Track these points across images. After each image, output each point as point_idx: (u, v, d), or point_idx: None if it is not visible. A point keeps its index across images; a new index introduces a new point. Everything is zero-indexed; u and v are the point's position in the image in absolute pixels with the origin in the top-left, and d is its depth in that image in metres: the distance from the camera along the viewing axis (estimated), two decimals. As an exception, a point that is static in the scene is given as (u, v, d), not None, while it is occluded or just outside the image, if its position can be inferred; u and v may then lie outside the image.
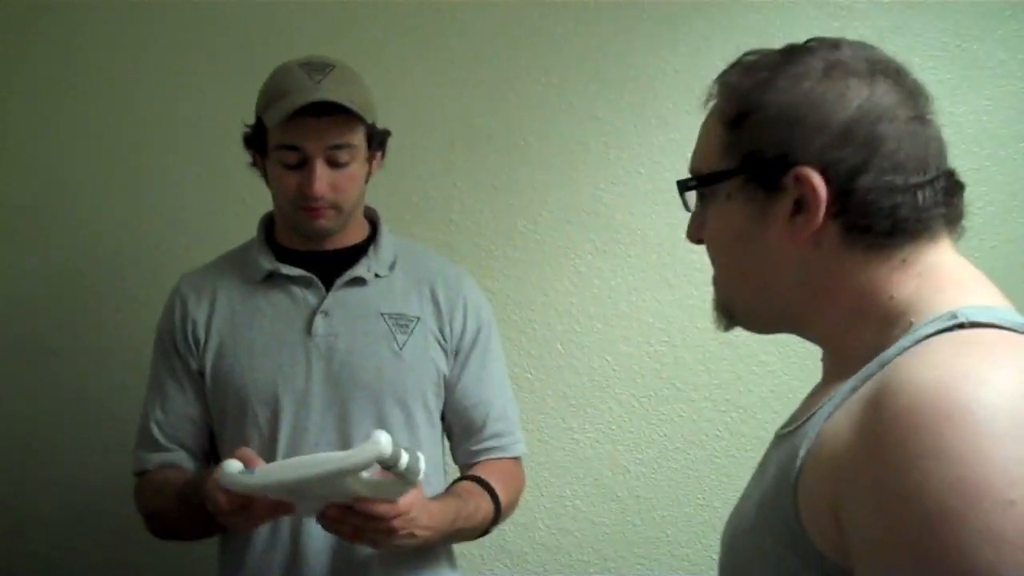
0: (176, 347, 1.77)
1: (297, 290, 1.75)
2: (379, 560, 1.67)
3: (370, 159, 1.75)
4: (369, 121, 1.70)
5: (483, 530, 1.74)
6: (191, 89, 2.34)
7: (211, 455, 1.80)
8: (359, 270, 1.75)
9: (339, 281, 1.74)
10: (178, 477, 1.71)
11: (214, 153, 2.26)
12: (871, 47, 0.95)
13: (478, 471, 1.77)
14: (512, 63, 2.36)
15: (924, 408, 0.73)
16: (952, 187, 0.94)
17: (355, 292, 1.75)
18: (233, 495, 1.47)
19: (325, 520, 1.51)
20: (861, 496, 0.76)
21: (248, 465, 1.48)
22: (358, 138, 1.69)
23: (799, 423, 0.93)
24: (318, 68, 1.67)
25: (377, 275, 1.77)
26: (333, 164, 1.67)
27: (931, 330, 0.83)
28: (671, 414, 2.35)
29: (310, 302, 1.74)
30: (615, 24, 2.36)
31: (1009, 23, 2.34)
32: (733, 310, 1.03)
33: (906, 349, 0.83)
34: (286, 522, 1.67)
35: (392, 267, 1.79)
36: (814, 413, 0.89)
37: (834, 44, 0.95)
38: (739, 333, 2.31)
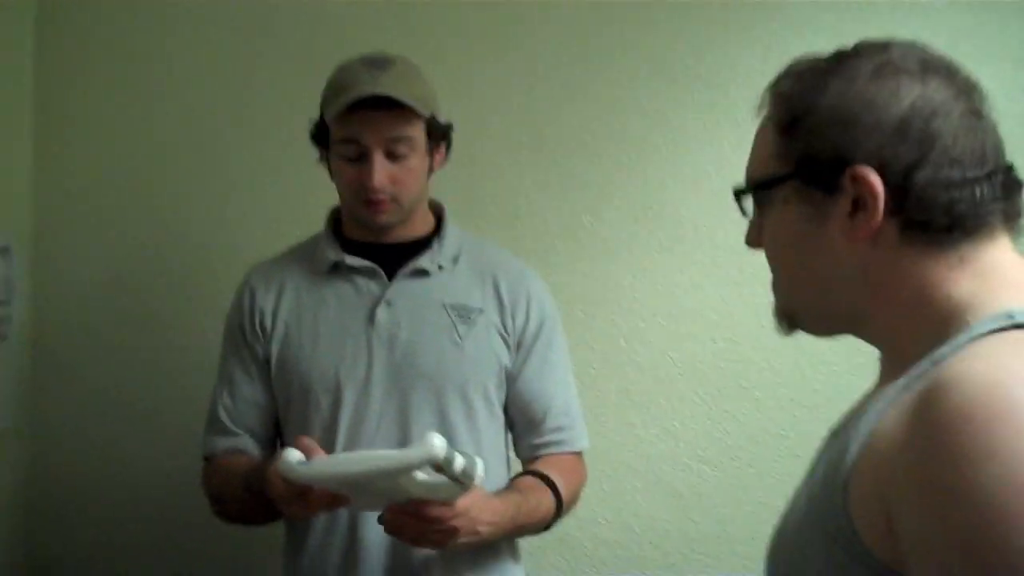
0: (244, 335, 1.81)
1: (361, 281, 1.78)
2: (439, 552, 1.68)
3: (432, 153, 1.77)
4: (428, 114, 1.71)
5: (545, 525, 1.75)
6: (262, 85, 2.39)
7: (277, 441, 1.84)
8: (422, 262, 1.77)
9: (402, 272, 1.77)
10: (244, 463, 1.75)
11: (285, 149, 2.29)
12: (921, 46, 0.96)
13: (539, 466, 1.78)
14: (580, 62, 2.37)
15: (976, 406, 0.73)
16: (1011, 182, 0.94)
17: (418, 283, 1.77)
18: (291, 484, 1.49)
19: (385, 523, 1.55)
20: (912, 494, 0.77)
21: (308, 455, 1.50)
22: (417, 131, 1.71)
23: (852, 421, 0.93)
24: (378, 64, 1.69)
25: (440, 267, 1.79)
26: (392, 157, 1.69)
27: (986, 329, 0.83)
28: (734, 412, 2.35)
29: (374, 292, 1.76)
30: (684, 23, 2.36)
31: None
32: (794, 314, 1.04)
33: (960, 348, 0.83)
34: (344, 512, 1.69)
35: (456, 260, 1.81)
36: (867, 411, 0.89)
37: (883, 46, 0.95)
38: (803, 333, 2.29)
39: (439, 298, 1.77)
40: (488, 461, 1.72)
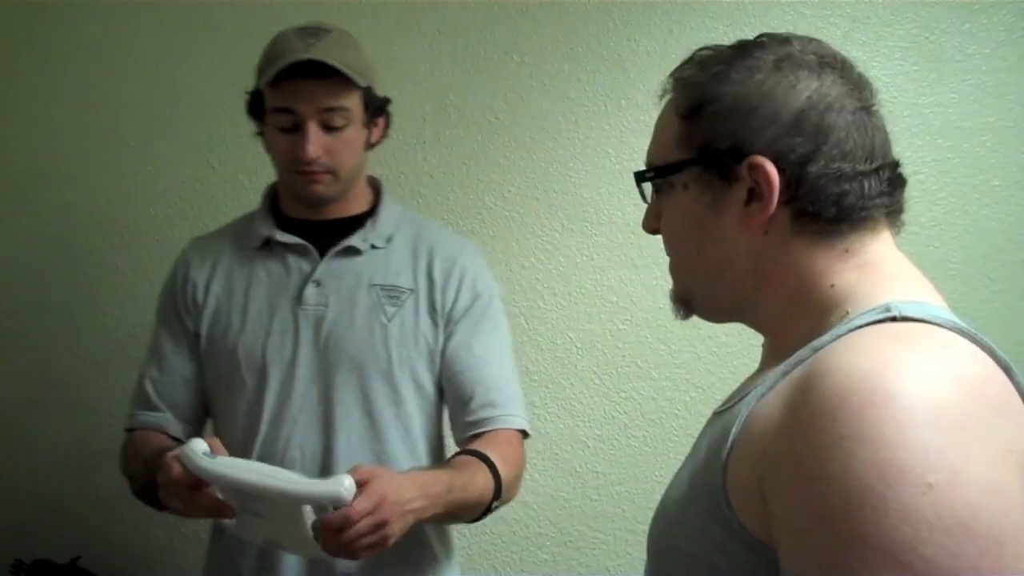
0: (176, 308, 1.78)
1: (292, 258, 1.74)
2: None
3: (369, 125, 1.74)
4: (363, 85, 1.67)
5: (486, 505, 1.61)
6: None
7: (205, 421, 1.80)
8: (354, 240, 1.74)
9: (333, 251, 1.73)
10: (154, 442, 1.68)
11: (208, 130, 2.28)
12: (819, 41, 0.98)
13: (474, 445, 1.69)
14: (485, 40, 2.36)
15: (851, 393, 0.75)
16: (896, 179, 0.97)
17: (348, 262, 1.73)
18: (187, 473, 1.42)
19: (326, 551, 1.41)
20: (785, 475, 0.79)
21: (215, 453, 1.43)
22: (352, 102, 1.67)
23: (733, 403, 0.96)
24: (312, 32, 1.66)
25: (373, 246, 1.75)
26: (327, 128, 1.65)
27: (865, 321, 0.86)
28: (631, 392, 2.38)
29: (303, 270, 1.73)
30: (589, 5, 2.36)
31: (978, 17, 2.37)
32: (691, 299, 1.06)
33: (839, 337, 0.86)
34: None
35: (390, 239, 1.77)
36: (747, 394, 0.92)
37: (784, 39, 0.98)
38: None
39: (369, 278, 1.73)
40: (418, 446, 1.72)
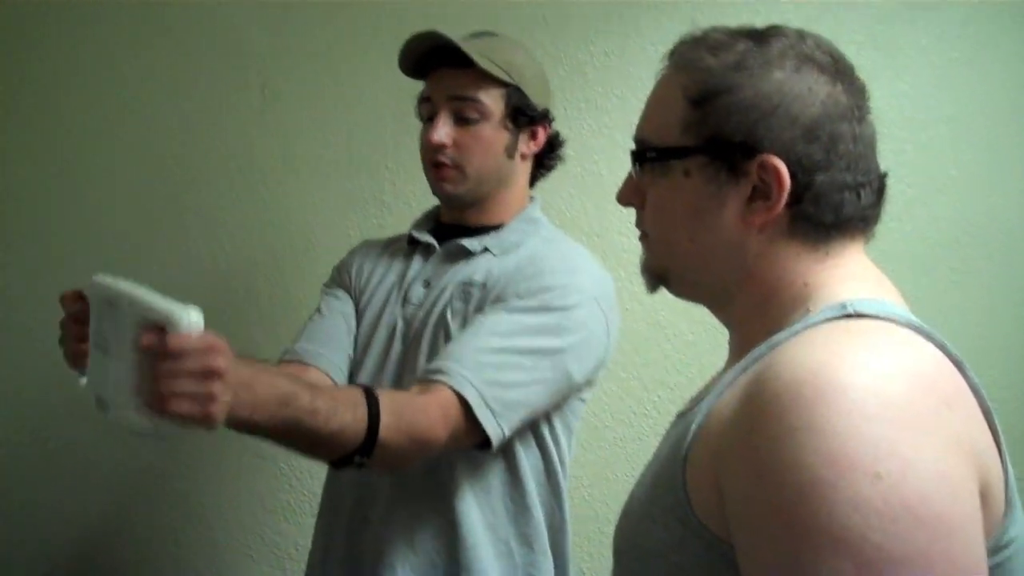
0: (340, 276, 1.82)
1: (417, 257, 1.74)
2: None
3: (513, 131, 1.69)
4: (508, 83, 1.64)
5: (353, 447, 1.35)
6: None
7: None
8: (467, 242, 1.69)
9: (442, 249, 1.71)
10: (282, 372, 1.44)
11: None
12: (828, 41, 0.99)
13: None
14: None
15: (803, 386, 0.77)
16: (883, 188, 0.98)
17: (456, 264, 1.68)
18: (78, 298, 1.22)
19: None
20: (739, 467, 0.80)
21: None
22: (491, 98, 1.64)
23: (696, 402, 0.97)
24: (474, 33, 1.69)
25: (487, 249, 1.68)
26: (460, 120, 1.64)
27: (821, 318, 0.88)
28: (600, 393, 2.38)
29: (418, 269, 1.71)
30: (544, 8, 2.37)
31: (931, 10, 2.39)
32: (665, 275, 1.06)
33: (796, 333, 0.87)
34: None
35: (508, 248, 1.68)
36: (709, 392, 0.93)
37: (800, 35, 0.98)
38: (667, 315, 2.34)
39: (461, 278, 1.65)
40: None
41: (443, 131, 1.62)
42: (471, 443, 1.50)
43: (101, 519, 2.39)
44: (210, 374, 1.08)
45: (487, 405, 1.46)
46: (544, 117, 1.72)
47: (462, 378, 1.45)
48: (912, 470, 0.73)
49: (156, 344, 1.06)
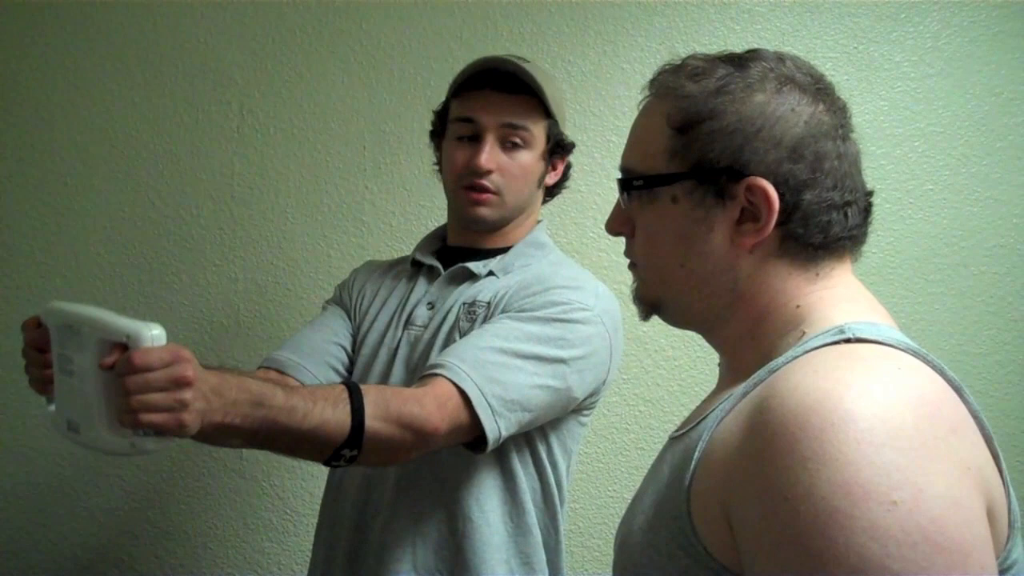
0: (341, 296, 1.80)
1: (421, 279, 1.73)
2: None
3: (547, 162, 1.70)
4: (553, 115, 1.66)
5: (339, 441, 1.32)
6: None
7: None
8: (472, 264, 1.68)
9: (446, 273, 1.70)
10: (262, 375, 1.53)
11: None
12: (806, 62, 1.00)
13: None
14: (422, 68, 2.37)
15: (809, 414, 0.77)
16: (869, 207, 0.99)
17: (460, 286, 1.68)
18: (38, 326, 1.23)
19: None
20: (750, 498, 0.79)
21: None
22: (537, 127, 1.65)
23: (693, 426, 0.96)
24: (517, 56, 1.66)
25: (491, 272, 1.68)
26: (506, 147, 1.64)
27: (819, 342, 0.88)
28: (582, 408, 2.39)
29: (421, 292, 1.71)
30: (523, 28, 2.38)
31: (904, 26, 2.42)
32: (662, 305, 1.06)
33: (795, 358, 0.87)
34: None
35: (510, 269, 1.68)
36: (707, 416, 0.93)
37: (779, 57, 0.98)
38: (648, 329, 2.35)
39: (465, 299, 1.65)
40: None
41: (491, 156, 1.62)
42: (466, 439, 1.48)
43: (80, 539, 2.38)
44: (179, 383, 1.09)
45: (486, 401, 1.44)
46: (571, 151, 1.75)
47: (462, 372, 1.44)
48: (925, 496, 0.73)
49: (121, 361, 1.08)
